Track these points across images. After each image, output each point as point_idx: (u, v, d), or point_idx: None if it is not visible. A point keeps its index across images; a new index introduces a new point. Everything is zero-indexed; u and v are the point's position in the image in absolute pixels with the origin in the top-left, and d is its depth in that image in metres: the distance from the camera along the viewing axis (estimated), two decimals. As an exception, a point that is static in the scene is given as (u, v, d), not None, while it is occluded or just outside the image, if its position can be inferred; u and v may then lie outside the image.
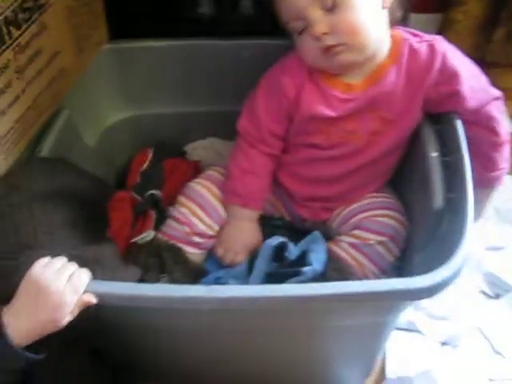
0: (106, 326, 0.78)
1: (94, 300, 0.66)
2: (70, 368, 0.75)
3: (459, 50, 0.91)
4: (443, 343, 1.04)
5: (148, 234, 1.00)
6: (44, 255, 0.68)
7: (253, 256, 0.96)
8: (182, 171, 1.15)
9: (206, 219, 0.99)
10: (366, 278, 0.93)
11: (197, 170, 1.17)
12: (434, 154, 0.87)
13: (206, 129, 1.26)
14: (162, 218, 1.03)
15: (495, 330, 1.05)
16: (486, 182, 0.95)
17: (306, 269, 0.87)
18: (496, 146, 0.93)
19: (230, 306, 0.71)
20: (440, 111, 0.92)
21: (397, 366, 1.01)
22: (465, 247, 0.70)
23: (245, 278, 0.93)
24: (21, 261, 0.70)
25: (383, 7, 0.87)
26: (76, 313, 0.65)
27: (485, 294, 1.11)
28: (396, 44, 0.90)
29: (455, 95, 0.88)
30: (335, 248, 0.95)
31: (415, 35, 0.91)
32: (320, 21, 0.84)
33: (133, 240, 0.99)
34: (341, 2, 0.83)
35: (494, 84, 0.92)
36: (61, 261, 0.67)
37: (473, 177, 0.79)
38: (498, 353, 1.02)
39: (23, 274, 0.65)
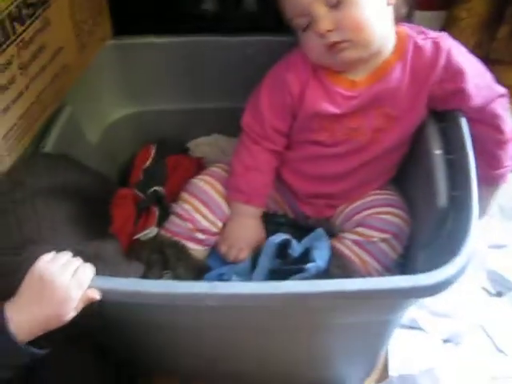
0: (108, 322, 0.78)
1: (98, 296, 0.66)
2: (73, 364, 0.75)
3: (463, 47, 0.91)
4: (446, 341, 1.04)
5: (151, 231, 1.00)
6: (48, 250, 0.67)
7: (256, 253, 0.96)
8: (185, 168, 1.15)
9: (210, 216, 0.99)
10: (370, 275, 0.93)
11: (200, 166, 1.17)
12: (438, 152, 0.87)
13: (210, 125, 1.26)
14: (164, 214, 1.03)
15: (498, 328, 1.05)
16: (490, 180, 0.95)
17: (309, 266, 0.87)
18: (501, 143, 0.92)
19: (234, 303, 0.72)
20: (444, 108, 0.91)
21: (399, 363, 1.01)
22: (470, 245, 0.70)
23: (248, 275, 0.93)
24: (24, 256, 0.70)
25: (388, 4, 0.87)
26: (80, 308, 0.65)
27: (487, 291, 1.11)
28: (401, 41, 0.90)
29: (460, 92, 0.88)
30: (338, 245, 0.95)
31: (420, 32, 0.91)
32: (324, 17, 0.84)
33: (136, 236, 0.99)
34: None
35: (498, 81, 0.92)
36: (65, 256, 0.67)
37: (477, 174, 0.79)
38: (501, 351, 1.02)
39: (27, 269, 0.64)
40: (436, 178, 0.84)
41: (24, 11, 0.82)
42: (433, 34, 0.91)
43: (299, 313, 0.77)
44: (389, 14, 0.88)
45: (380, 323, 0.82)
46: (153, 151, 1.19)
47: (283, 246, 0.92)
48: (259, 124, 0.97)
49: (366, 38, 0.85)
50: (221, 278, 0.95)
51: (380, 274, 0.94)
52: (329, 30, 0.84)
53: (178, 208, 1.00)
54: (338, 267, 0.90)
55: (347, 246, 0.94)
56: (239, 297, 0.70)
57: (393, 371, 1.00)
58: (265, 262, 0.91)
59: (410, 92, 0.90)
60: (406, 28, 0.92)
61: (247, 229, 0.99)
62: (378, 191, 0.99)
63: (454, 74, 0.87)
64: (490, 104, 0.90)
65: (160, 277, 0.92)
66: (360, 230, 0.94)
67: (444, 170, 0.84)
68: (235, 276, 0.93)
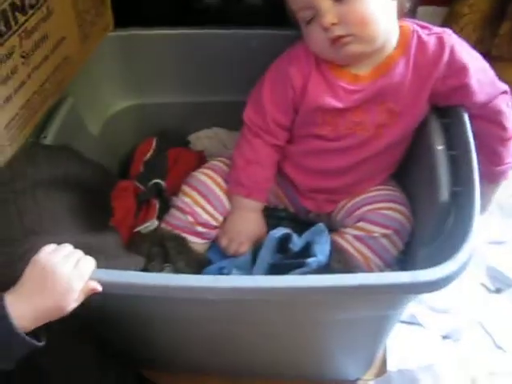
0: (109, 314, 0.78)
1: (99, 287, 0.66)
2: (73, 355, 0.75)
3: (466, 43, 0.91)
4: (444, 337, 1.05)
5: (151, 224, 0.99)
6: (49, 241, 0.67)
7: (257, 247, 0.96)
8: (186, 161, 1.15)
9: (210, 209, 0.99)
10: (370, 270, 0.93)
11: (201, 159, 1.17)
12: (441, 147, 0.87)
13: (211, 119, 1.26)
14: (165, 207, 1.03)
15: (497, 325, 1.06)
16: (491, 176, 0.95)
17: (310, 260, 0.87)
18: (503, 140, 0.92)
19: (234, 297, 0.71)
20: (447, 104, 0.91)
21: (398, 358, 1.01)
22: (472, 241, 0.70)
23: (248, 269, 0.93)
24: (26, 247, 0.70)
25: (392, -2, 0.87)
26: (81, 299, 0.65)
27: (487, 288, 1.11)
28: (404, 36, 0.90)
29: (463, 89, 0.88)
30: (339, 240, 0.95)
31: (424, 27, 0.91)
32: (329, 11, 0.83)
33: (136, 229, 0.99)
34: None
35: (500, 78, 0.92)
36: (67, 247, 0.67)
37: (479, 171, 0.79)
38: (499, 347, 1.03)
39: (28, 260, 0.64)
40: (438, 173, 0.84)
41: (26, 1, 0.81)
42: (436, 29, 0.90)
43: (299, 307, 0.77)
44: (393, 8, 0.88)
45: (380, 319, 0.82)
46: (154, 144, 1.19)
47: (284, 241, 0.92)
48: (261, 118, 0.96)
49: (370, 33, 0.85)
50: (221, 271, 0.95)
51: (381, 270, 0.94)
52: (333, 24, 0.84)
53: (178, 201, 1.00)
54: (339, 262, 0.90)
55: (348, 241, 0.94)
56: (240, 290, 0.70)
57: (391, 366, 1.00)
58: (265, 256, 0.91)
59: (413, 87, 0.90)
60: (409, 23, 0.91)
61: (248, 222, 0.99)
62: (379, 187, 0.99)
63: (458, 70, 0.87)
64: (492, 100, 0.90)
65: (160, 270, 0.92)
66: (361, 224, 0.94)
67: (446, 166, 0.84)
68: (235, 270, 0.93)
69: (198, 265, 0.96)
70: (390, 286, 0.70)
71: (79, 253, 0.67)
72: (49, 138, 0.93)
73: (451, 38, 0.89)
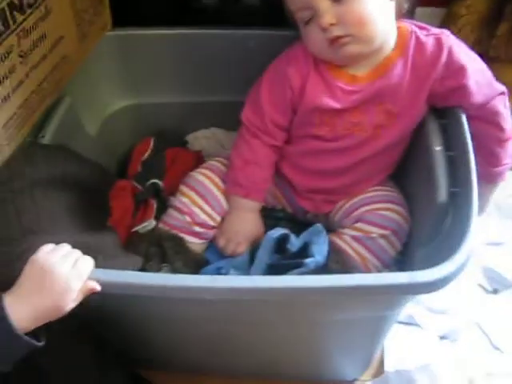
0: (106, 314, 0.78)
1: (98, 287, 0.66)
2: (72, 355, 0.75)
3: (464, 44, 0.91)
4: (442, 337, 1.05)
5: (149, 223, 0.99)
6: (47, 241, 0.67)
7: (254, 247, 0.95)
8: (184, 161, 1.15)
9: (207, 209, 0.99)
10: (368, 271, 0.93)
11: (198, 159, 1.17)
12: (439, 148, 0.87)
13: (209, 119, 1.26)
14: (163, 207, 1.03)
15: (494, 325, 1.06)
16: (488, 177, 0.95)
17: (307, 260, 0.87)
18: (500, 141, 0.92)
19: (232, 297, 0.71)
20: (445, 105, 0.91)
21: (395, 359, 1.01)
22: (470, 242, 0.70)
23: (246, 269, 0.93)
24: (24, 247, 0.69)
25: (390, -1, 0.87)
26: (80, 299, 0.65)
27: (484, 288, 1.11)
28: (403, 37, 0.90)
29: (461, 89, 0.88)
30: (337, 240, 0.95)
31: (422, 28, 0.91)
32: (327, 11, 0.83)
33: (134, 229, 0.98)
34: None
35: (497, 79, 0.92)
36: (65, 247, 0.67)
37: (476, 172, 0.79)
38: (497, 348, 1.03)
39: (26, 260, 0.64)
40: (436, 174, 0.84)
41: (24, 0, 0.81)
42: (435, 30, 0.90)
43: (297, 308, 0.77)
44: (391, 9, 0.88)
45: (377, 319, 0.83)
46: (151, 143, 1.19)
47: (282, 241, 0.92)
48: (259, 118, 0.96)
49: (368, 34, 0.85)
50: (218, 271, 0.95)
51: (379, 270, 0.94)
52: (331, 24, 0.84)
53: (176, 201, 1.00)
54: (337, 262, 0.90)
55: (346, 242, 0.94)
56: (238, 291, 0.70)
57: (389, 367, 1.00)
58: (263, 257, 0.91)
59: (411, 88, 0.90)
60: (407, 24, 0.91)
61: (246, 223, 0.99)
62: (377, 187, 0.99)
63: (456, 70, 0.87)
64: (490, 101, 0.90)
65: (158, 270, 0.92)
66: (359, 225, 0.94)
67: (444, 167, 0.84)
68: (233, 270, 0.93)
69: (196, 265, 0.96)
70: (387, 287, 0.70)
71: (77, 252, 0.67)
72: (47, 138, 0.92)
73: (449, 38, 0.89)
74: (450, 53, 0.87)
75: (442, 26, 1.26)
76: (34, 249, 0.65)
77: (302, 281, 0.70)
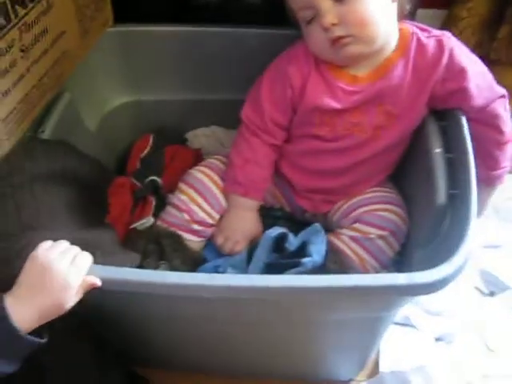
0: (105, 312, 0.78)
1: (98, 282, 0.66)
2: (72, 354, 0.75)
3: (465, 47, 0.91)
4: (438, 339, 1.05)
5: (147, 220, 0.99)
6: (46, 237, 0.67)
7: (252, 246, 0.95)
8: (183, 158, 1.15)
9: (206, 207, 0.98)
10: (366, 271, 0.93)
11: (198, 157, 1.17)
12: (438, 150, 0.87)
13: (209, 117, 1.26)
14: (161, 204, 1.03)
15: (490, 328, 1.06)
16: (487, 180, 0.95)
17: (305, 260, 0.87)
18: (500, 144, 0.93)
19: (230, 295, 0.71)
20: (445, 107, 0.91)
21: (391, 360, 1.01)
22: (468, 244, 0.70)
23: (244, 268, 0.93)
24: (23, 243, 0.69)
25: (392, 0, 0.87)
26: (81, 295, 0.65)
27: (480, 291, 1.12)
28: (404, 38, 0.90)
29: (461, 92, 0.88)
30: (335, 241, 0.95)
31: (423, 30, 0.91)
32: (329, 11, 0.83)
33: (132, 226, 0.98)
34: None
35: (498, 82, 0.92)
36: (64, 244, 0.67)
37: (475, 174, 0.79)
38: (492, 350, 1.03)
39: (26, 256, 0.64)
40: (435, 175, 0.84)
41: (26, -6, 0.81)
42: (436, 32, 0.91)
43: (294, 307, 0.77)
44: (393, 10, 0.88)
45: (374, 320, 0.83)
46: (151, 140, 1.19)
47: (280, 240, 0.92)
48: (259, 117, 0.96)
49: (370, 34, 0.85)
50: (216, 270, 0.94)
51: (376, 271, 0.94)
52: (333, 24, 0.84)
53: (174, 199, 0.99)
54: (335, 263, 0.90)
55: (344, 242, 0.94)
56: (235, 289, 0.70)
57: (384, 368, 1.00)
58: (261, 256, 0.91)
59: (412, 90, 0.90)
60: (409, 25, 0.92)
61: (244, 221, 0.99)
62: (376, 188, 0.99)
63: (457, 73, 0.87)
64: (490, 104, 0.90)
65: (156, 267, 0.92)
66: (357, 226, 0.94)
67: (443, 169, 0.84)
68: (231, 268, 0.93)
69: (194, 263, 0.96)
70: (385, 288, 0.70)
71: (76, 249, 0.67)
72: (46, 133, 0.92)
73: (450, 40, 0.89)
74: (451, 55, 0.87)
75: (443, 28, 1.26)
76: (32, 245, 0.65)
77: (300, 280, 0.70)
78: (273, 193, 1.05)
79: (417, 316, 1.07)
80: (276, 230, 0.92)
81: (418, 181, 0.94)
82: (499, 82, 0.92)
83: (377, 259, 0.94)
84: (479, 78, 0.89)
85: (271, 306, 0.76)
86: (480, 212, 0.97)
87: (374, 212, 0.95)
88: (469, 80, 0.87)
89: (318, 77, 0.92)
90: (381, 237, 0.93)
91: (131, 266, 0.83)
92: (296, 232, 0.94)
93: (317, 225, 0.94)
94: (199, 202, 0.98)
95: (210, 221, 0.99)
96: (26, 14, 0.82)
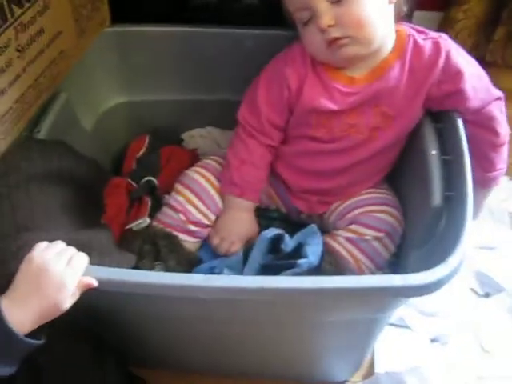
0: (101, 313, 0.78)
1: (94, 283, 0.66)
2: (71, 355, 0.75)
3: (462, 49, 0.91)
4: (433, 340, 1.05)
5: (143, 221, 0.99)
6: (41, 237, 0.67)
7: (248, 247, 0.95)
8: (179, 159, 1.15)
9: (202, 208, 0.98)
10: (362, 273, 0.93)
11: (194, 158, 1.17)
12: (434, 152, 0.87)
13: (205, 117, 1.25)
14: (157, 205, 1.03)
15: (485, 329, 1.06)
16: (482, 182, 0.96)
17: (301, 261, 0.87)
18: (495, 146, 0.93)
19: (226, 296, 0.71)
20: (441, 109, 0.91)
21: (386, 360, 1.02)
22: (463, 246, 0.70)
23: (240, 269, 0.92)
24: (19, 244, 0.69)
25: (389, 2, 0.87)
26: (78, 296, 0.65)
27: (475, 292, 1.12)
28: (401, 40, 0.90)
29: (458, 94, 0.88)
30: (331, 242, 0.95)
31: (420, 32, 0.91)
32: (326, 12, 0.83)
33: (128, 226, 0.98)
34: None
35: (494, 84, 0.92)
36: (60, 245, 0.67)
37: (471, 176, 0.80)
38: (487, 351, 1.03)
39: (22, 257, 0.64)
40: (431, 177, 0.84)
41: (23, -6, 0.81)
42: (433, 34, 0.91)
43: (289, 308, 0.77)
44: (390, 12, 0.88)
45: (369, 321, 0.83)
46: (147, 141, 1.18)
47: (276, 241, 0.92)
48: (256, 118, 0.96)
49: (366, 36, 0.85)
50: (212, 271, 0.94)
51: (372, 273, 0.94)
52: (330, 26, 0.84)
53: (170, 199, 0.99)
54: (331, 264, 0.90)
55: (340, 243, 0.94)
56: (231, 290, 0.70)
57: (379, 369, 1.00)
58: (257, 257, 0.91)
59: (408, 92, 0.90)
60: (406, 27, 0.92)
61: (240, 222, 0.99)
62: (372, 189, 0.99)
63: (453, 75, 0.87)
64: (486, 106, 0.90)
65: (151, 268, 0.91)
66: (353, 227, 0.94)
67: (439, 170, 0.85)
68: (226, 269, 0.92)
69: (189, 264, 0.96)
70: (380, 289, 0.70)
71: (72, 250, 0.67)
72: (42, 133, 0.92)
73: (447, 42, 0.89)
74: (448, 57, 0.87)
75: (439, 30, 1.27)
76: (28, 246, 0.65)
77: (295, 282, 0.70)
78: (268, 193, 1.05)
79: (412, 317, 1.07)
80: (272, 231, 0.92)
81: (414, 182, 0.94)
82: (495, 83, 0.92)
83: (372, 260, 0.94)
84: (475, 80, 0.89)
85: (266, 307, 0.76)
86: (476, 214, 0.98)
87: (369, 213, 0.95)
88: (465, 82, 0.87)
89: (314, 78, 0.92)
90: (376, 238, 0.93)
91: (127, 267, 0.83)
92: (292, 233, 0.94)
93: (313, 226, 0.94)
94: (195, 203, 0.98)
95: (206, 221, 0.99)
96: (23, 14, 0.82)
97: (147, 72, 1.17)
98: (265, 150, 0.98)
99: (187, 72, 1.17)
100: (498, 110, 0.91)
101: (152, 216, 1.01)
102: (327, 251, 0.92)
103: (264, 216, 1.05)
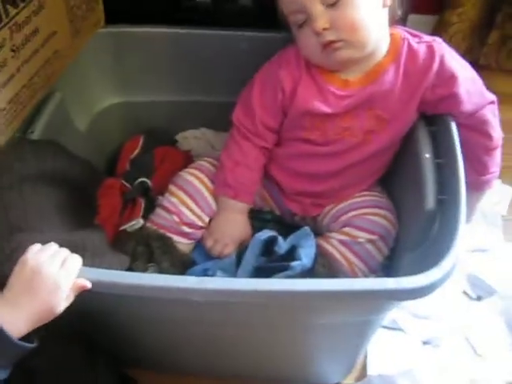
0: (94, 315, 0.78)
1: (88, 284, 0.66)
2: (63, 357, 0.75)
3: (456, 52, 0.92)
4: (425, 342, 1.05)
5: (137, 222, 0.99)
6: (35, 239, 0.67)
7: (242, 249, 0.95)
8: (173, 160, 1.14)
9: (196, 209, 0.98)
10: (355, 276, 0.93)
11: (188, 159, 1.17)
12: (428, 155, 0.87)
13: (199, 119, 1.25)
14: (151, 206, 1.02)
15: (477, 332, 1.06)
16: (476, 186, 0.96)
17: (294, 263, 0.87)
18: (488, 150, 0.93)
19: (220, 299, 0.71)
20: (435, 113, 0.92)
21: (378, 363, 1.02)
22: (456, 249, 0.70)
23: (233, 271, 0.92)
24: (12, 246, 0.69)
25: (384, 5, 0.87)
26: (72, 298, 0.65)
27: (468, 295, 1.12)
28: (395, 43, 0.90)
29: (452, 98, 0.88)
30: (325, 244, 0.95)
31: (414, 35, 0.91)
32: (321, 16, 0.83)
33: (122, 227, 0.98)
34: None
35: (488, 87, 0.93)
36: (53, 246, 0.67)
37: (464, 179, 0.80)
38: (479, 354, 1.03)
39: (16, 259, 0.64)
40: (424, 181, 0.84)
41: (18, -6, 0.81)
42: (427, 38, 0.91)
43: (282, 311, 0.77)
44: (384, 16, 0.88)
45: (362, 324, 0.83)
46: (141, 142, 1.18)
47: (269, 243, 0.92)
48: (250, 120, 0.96)
49: (360, 39, 0.85)
50: (205, 273, 0.94)
51: (365, 275, 0.94)
52: (325, 29, 0.84)
53: (164, 201, 0.99)
54: (324, 266, 0.90)
55: (333, 246, 0.94)
56: (224, 293, 0.70)
57: (372, 371, 1.01)
58: (250, 259, 0.91)
59: (402, 95, 0.90)
60: (400, 31, 0.92)
61: (233, 224, 0.99)
62: (365, 192, 0.99)
63: (447, 79, 0.88)
64: (480, 110, 0.90)
65: (145, 269, 0.91)
66: (347, 230, 0.95)
67: (433, 174, 0.85)
68: (220, 272, 0.92)
69: (183, 265, 0.96)
70: (374, 292, 0.70)
71: (65, 251, 0.67)
72: (36, 133, 0.92)
73: (441, 46, 0.89)
74: (442, 61, 0.88)
75: (433, 33, 1.27)
76: (22, 248, 0.64)
77: (288, 284, 0.70)
78: (262, 195, 1.05)
79: (404, 320, 1.07)
80: (265, 234, 0.92)
81: (408, 185, 0.94)
82: (489, 87, 0.92)
83: (366, 263, 0.94)
84: (469, 83, 0.89)
85: (260, 309, 0.76)
86: (469, 217, 0.98)
87: (363, 216, 0.95)
88: (459, 86, 0.87)
89: (309, 81, 0.92)
90: (370, 241, 0.93)
91: (120, 268, 0.83)
92: (285, 235, 0.94)
93: (306, 228, 0.94)
94: (189, 205, 0.98)
95: (200, 223, 0.99)
96: (17, 14, 0.81)
97: (141, 73, 1.17)
98: (259, 152, 0.98)
99: (182, 73, 1.17)
100: (492, 114, 0.91)
101: (146, 217, 1.01)
102: (320, 253, 0.92)
103: (257, 218, 1.05)
